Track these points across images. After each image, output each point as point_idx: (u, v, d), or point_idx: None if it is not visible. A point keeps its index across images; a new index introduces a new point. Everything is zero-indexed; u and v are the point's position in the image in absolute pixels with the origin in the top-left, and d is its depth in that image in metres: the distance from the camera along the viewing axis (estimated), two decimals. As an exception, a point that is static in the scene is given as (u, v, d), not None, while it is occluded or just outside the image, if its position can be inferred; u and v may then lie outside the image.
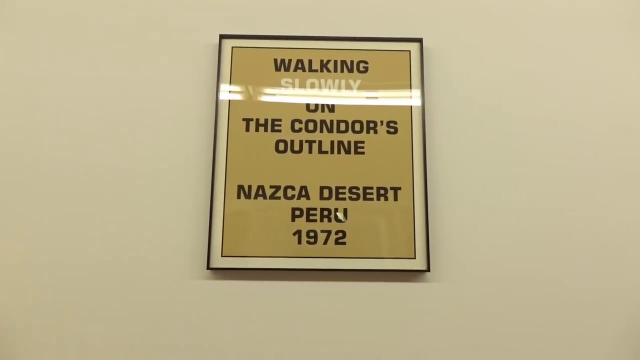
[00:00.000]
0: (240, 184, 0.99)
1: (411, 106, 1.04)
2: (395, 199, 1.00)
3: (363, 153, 1.02)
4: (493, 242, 1.00)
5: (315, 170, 1.01)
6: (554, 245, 0.99)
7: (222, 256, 0.96)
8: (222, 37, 1.05)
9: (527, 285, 0.98)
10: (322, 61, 1.06)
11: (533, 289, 0.98)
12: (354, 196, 1.00)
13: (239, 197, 0.99)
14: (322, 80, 1.05)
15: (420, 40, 1.06)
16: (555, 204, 1.01)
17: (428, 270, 0.96)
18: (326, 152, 1.02)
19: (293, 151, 1.01)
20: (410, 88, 1.05)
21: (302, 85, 1.05)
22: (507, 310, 0.97)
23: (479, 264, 0.98)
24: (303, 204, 0.99)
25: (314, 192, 1.00)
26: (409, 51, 1.07)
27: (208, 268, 0.95)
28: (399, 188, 1.00)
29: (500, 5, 1.11)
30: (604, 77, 1.07)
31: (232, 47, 1.06)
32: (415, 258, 0.97)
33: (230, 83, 1.04)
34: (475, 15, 1.10)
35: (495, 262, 0.99)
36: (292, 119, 1.03)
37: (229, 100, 1.03)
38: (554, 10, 1.11)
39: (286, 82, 1.05)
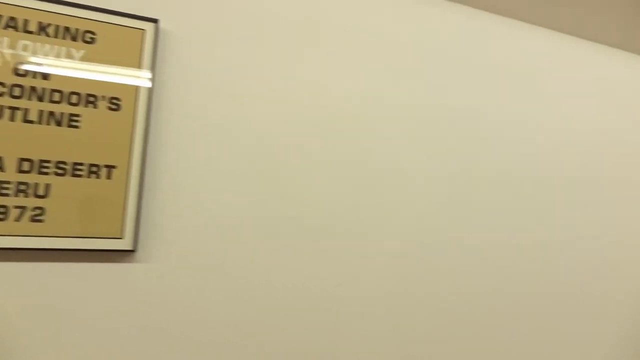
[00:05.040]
0: None
1: (138, 86, 1.02)
2: (109, 177, 0.97)
3: (78, 127, 0.97)
4: (206, 229, 1.04)
5: (15, 141, 0.92)
6: (265, 235, 1.09)
7: None
8: None
9: (236, 272, 1.05)
10: (40, 23, 0.97)
11: (240, 275, 1.06)
12: (61, 171, 0.94)
13: None
14: (39, 45, 0.97)
15: (155, 21, 1.05)
16: (275, 196, 1.11)
17: (134, 250, 0.96)
18: (32, 122, 0.94)
19: (-10, 117, 0.91)
20: (140, 67, 1.03)
21: (13, 46, 0.95)
22: (208, 293, 1.03)
23: (189, 248, 1.02)
24: (-5, 175, 0.90)
25: (10, 164, 0.91)
26: (144, 30, 1.05)
27: None
28: (114, 167, 0.98)
29: None
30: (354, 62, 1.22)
31: None
32: (122, 238, 0.96)
33: None
34: (220, 5, 1.14)
35: (206, 248, 1.04)
36: (-6, 81, 0.92)
37: None
38: (293, 8, 1.21)
39: (-8, 40, 0.94)
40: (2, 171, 0.90)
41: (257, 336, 1.05)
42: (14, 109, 0.93)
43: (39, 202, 0.92)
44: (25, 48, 0.96)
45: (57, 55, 0.98)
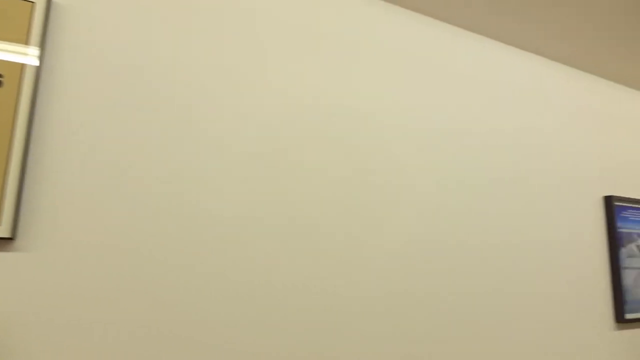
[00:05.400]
0: None
1: (24, 63, 0.96)
2: (-15, 159, 0.91)
3: (-50, 104, 0.90)
4: (98, 215, 0.99)
5: None
6: (159, 222, 1.05)
7: None
8: None
9: (135, 263, 1.01)
10: None
11: (138, 265, 1.01)
12: None
13: None
14: None
15: (46, -5, 0.99)
16: (176, 180, 1.07)
17: (13, 238, 0.90)
18: None
19: None
20: (27, 43, 0.97)
21: None
22: (103, 285, 0.98)
23: (76, 236, 0.97)
24: None
25: None
26: (34, 3, 0.98)
27: None
28: (-8, 148, 0.91)
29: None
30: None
31: None
32: (-1, 225, 0.90)
33: None
34: (123, -15, 1.09)
35: (97, 235, 0.98)
36: None
37: None
38: None
39: None
40: None
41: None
42: None
43: None
44: None
45: None
